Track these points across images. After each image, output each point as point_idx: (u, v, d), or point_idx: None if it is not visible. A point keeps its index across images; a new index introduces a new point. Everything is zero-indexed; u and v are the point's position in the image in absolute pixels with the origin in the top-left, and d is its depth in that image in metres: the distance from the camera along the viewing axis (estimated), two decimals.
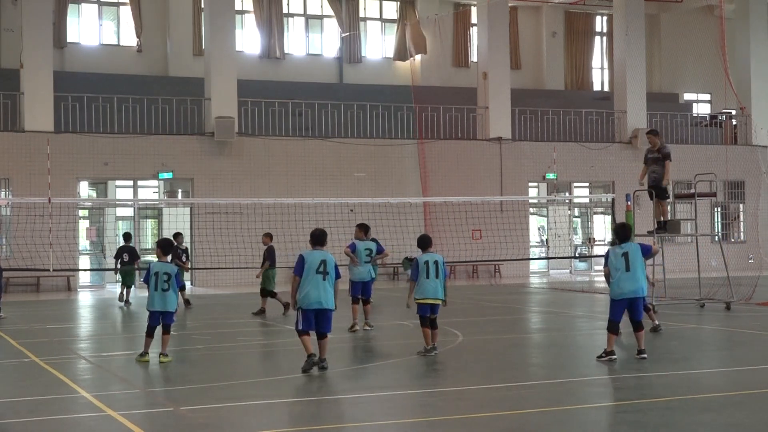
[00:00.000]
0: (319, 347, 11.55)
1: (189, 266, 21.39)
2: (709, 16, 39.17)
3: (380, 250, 16.87)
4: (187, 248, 21.73)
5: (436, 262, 12.77)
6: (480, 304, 22.31)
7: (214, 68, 29.85)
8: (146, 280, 12.67)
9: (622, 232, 12.59)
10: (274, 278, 19.76)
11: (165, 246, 13.08)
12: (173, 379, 11.68)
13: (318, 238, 11.63)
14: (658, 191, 18.80)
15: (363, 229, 16.71)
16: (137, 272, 22.50)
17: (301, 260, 11.43)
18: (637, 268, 12.24)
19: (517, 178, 33.02)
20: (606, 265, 12.41)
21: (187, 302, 21.36)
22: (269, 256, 19.66)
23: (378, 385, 11.01)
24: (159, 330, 12.76)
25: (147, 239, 30.89)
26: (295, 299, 11.49)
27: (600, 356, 12.21)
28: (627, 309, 12.32)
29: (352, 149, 31.15)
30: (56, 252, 23.17)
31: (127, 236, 23.63)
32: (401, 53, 37.91)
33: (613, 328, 12.24)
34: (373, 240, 17.08)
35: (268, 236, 20.06)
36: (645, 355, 12.21)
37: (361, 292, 16.36)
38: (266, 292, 19.55)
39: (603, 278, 14.27)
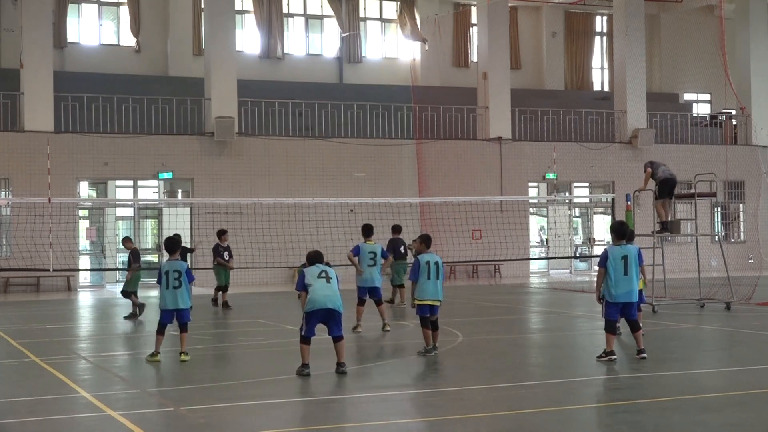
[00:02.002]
0: (336, 352, 11.50)
1: (232, 265, 21.52)
2: (709, 16, 39.20)
3: (384, 256, 16.45)
4: (229, 246, 21.76)
5: (436, 263, 12.79)
6: (480, 304, 22.31)
7: (214, 68, 29.85)
8: (159, 281, 12.71)
9: (620, 230, 12.57)
10: (139, 280, 19.56)
11: (169, 245, 13.08)
12: (173, 379, 11.68)
13: (314, 258, 11.61)
14: (664, 187, 18.83)
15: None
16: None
17: (302, 275, 11.47)
18: (633, 273, 12.24)
19: (517, 178, 33.02)
20: (602, 265, 12.35)
21: (225, 304, 21.27)
22: (135, 258, 19.63)
23: (378, 385, 11.01)
24: (169, 328, 12.79)
25: (147, 239, 30.89)
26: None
27: (600, 356, 12.20)
28: (621, 311, 12.30)
29: (352, 149, 31.15)
30: (56, 252, 23.16)
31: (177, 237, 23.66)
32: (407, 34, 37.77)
33: (610, 328, 12.24)
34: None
35: (129, 240, 20.05)
36: (645, 355, 12.21)
37: (369, 295, 16.18)
38: (128, 294, 19.34)
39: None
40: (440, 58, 38.20)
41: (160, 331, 12.73)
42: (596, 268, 35.49)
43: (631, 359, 12.30)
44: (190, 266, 13.24)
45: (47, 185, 23.23)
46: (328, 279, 11.37)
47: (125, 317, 18.97)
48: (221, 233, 21.65)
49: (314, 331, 11.39)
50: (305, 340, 11.34)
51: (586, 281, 29.80)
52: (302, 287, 11.38)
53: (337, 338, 11.47)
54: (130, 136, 29.01)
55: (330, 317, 11.37)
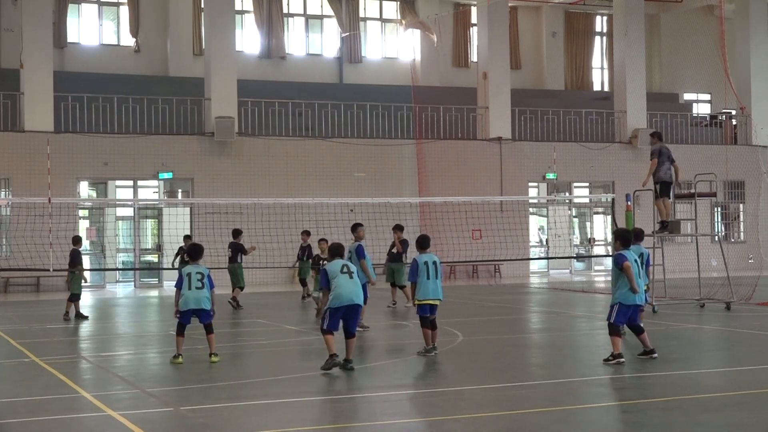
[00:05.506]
0: (346, 347, 11.65)
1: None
2: (709, 16, 39.17)
3: (361, 255, 15.52)
4: None
5: (434, 263, 12.81)
6: (480, 304, 22.31)
7: (214, 68, 29.86)
8: (178, 285, 12.61)
9: (630, 236, 12.60)
10: (81, 281, 19.49)
11: (193, 252, 13.04)
12: (173, 379, 11.67)
13: (335, 251, 11.86)
14: (665, 188, 18.84)
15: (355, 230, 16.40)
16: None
17: (324, 273, 11.65)
18: (639, 277, 12.24)
19: (517, 178, 33.02)
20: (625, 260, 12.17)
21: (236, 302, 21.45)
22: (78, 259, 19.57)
23: (378, 385, 11.01)
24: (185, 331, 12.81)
25: (147, 239, 30.88)
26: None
27: (607, 359, 11.91)
28: (629, 316, 12.14)
29: (352, 149, 31.15)
30: (56, 252, 23.15)
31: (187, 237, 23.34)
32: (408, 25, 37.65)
33: (616, 331, 12.03)
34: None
35: (77, 240, 20.00)
36: (656, 354, 12.09)
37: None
38: (75, 297, 19.30)
39: (605, 279, 14.32)
40: (440, 58, 38.20)
41: (180, 332, 12.65)
42: (596, 268, 35.15)
43: (631, 359, 12.27)
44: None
45: (47, 185, 23.23)
46: (350, 274, 11.56)
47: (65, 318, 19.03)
48: (236, 233, 21.95)
49: (337, 326, 11.54)
50: (329, 332, 11.45)
51: (585, 281, 29.80)
52: (326, 284, 11.55)
53: (350, 335, 11.66)
54: (130, 136, 29.01)
55: (352, 313, 11.57)
